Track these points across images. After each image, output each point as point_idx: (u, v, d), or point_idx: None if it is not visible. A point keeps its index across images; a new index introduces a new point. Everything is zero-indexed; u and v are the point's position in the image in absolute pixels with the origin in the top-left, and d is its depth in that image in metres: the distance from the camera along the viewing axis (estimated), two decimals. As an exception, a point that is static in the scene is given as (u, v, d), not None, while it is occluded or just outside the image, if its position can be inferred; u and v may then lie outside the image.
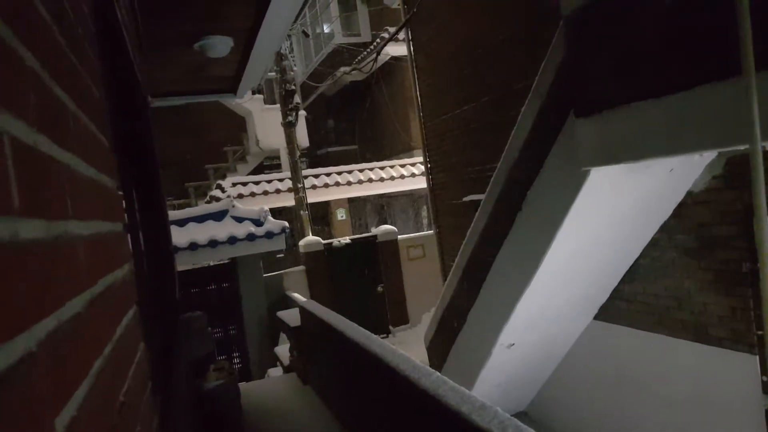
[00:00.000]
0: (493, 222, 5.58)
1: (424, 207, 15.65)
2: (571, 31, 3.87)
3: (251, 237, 8.94)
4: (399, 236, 11.42)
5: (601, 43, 3.61)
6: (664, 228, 5.04)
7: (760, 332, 4.33)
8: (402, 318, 11.37)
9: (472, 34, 7.74)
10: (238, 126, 16.35)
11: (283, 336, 9.06)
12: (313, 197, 13.05)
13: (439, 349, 6.85)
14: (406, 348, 9.82)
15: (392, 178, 14.32)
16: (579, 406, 6.10)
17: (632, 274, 5.44)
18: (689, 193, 4.75)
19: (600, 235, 4.87)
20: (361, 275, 11.05)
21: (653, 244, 5.18)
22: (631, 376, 5.52)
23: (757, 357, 4.35)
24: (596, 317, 5.89)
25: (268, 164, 17.20)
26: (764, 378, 4.34)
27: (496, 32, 7.18)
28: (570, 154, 4.27)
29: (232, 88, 6.11)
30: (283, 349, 8.18)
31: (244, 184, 13.33)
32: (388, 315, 11.25)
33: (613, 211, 4.67)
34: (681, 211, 4.86)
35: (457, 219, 8.77)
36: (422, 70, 9.47)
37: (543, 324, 5.59)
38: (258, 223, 9.15)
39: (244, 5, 3.82)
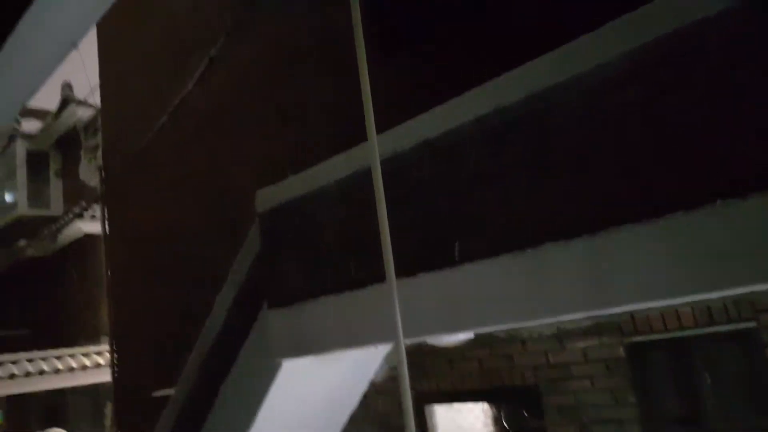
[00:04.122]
0: (184, 419, 5.06)
1: (109, 404, 13.61)
2: (265, 228, 4.12)
3: None
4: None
5: (290, 241, 3.91)
6: (353, 419, 5.22)
7: None
8: None
9: (170, 220, 7.64)
10: None
11: None
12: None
13: None
14: None
15: (71, 369, 12.25)
16: None
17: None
18: (372, 384, 5.10)
19: (292, 428, 4.78)
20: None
21: (344, 435, 5.28)
22: None
23: None
24: None
25: None
26: None
27: (193, 220, 7.21)
28: (264, 345, 4.27)
29: None
30: None
31: None
32: None
33: (306, 401, 4.69)
34: (366, 401, 5.14)
35: (146, 419, 7.74)
36: (117, 250, 8.83)
37: None
38: None
39: None
